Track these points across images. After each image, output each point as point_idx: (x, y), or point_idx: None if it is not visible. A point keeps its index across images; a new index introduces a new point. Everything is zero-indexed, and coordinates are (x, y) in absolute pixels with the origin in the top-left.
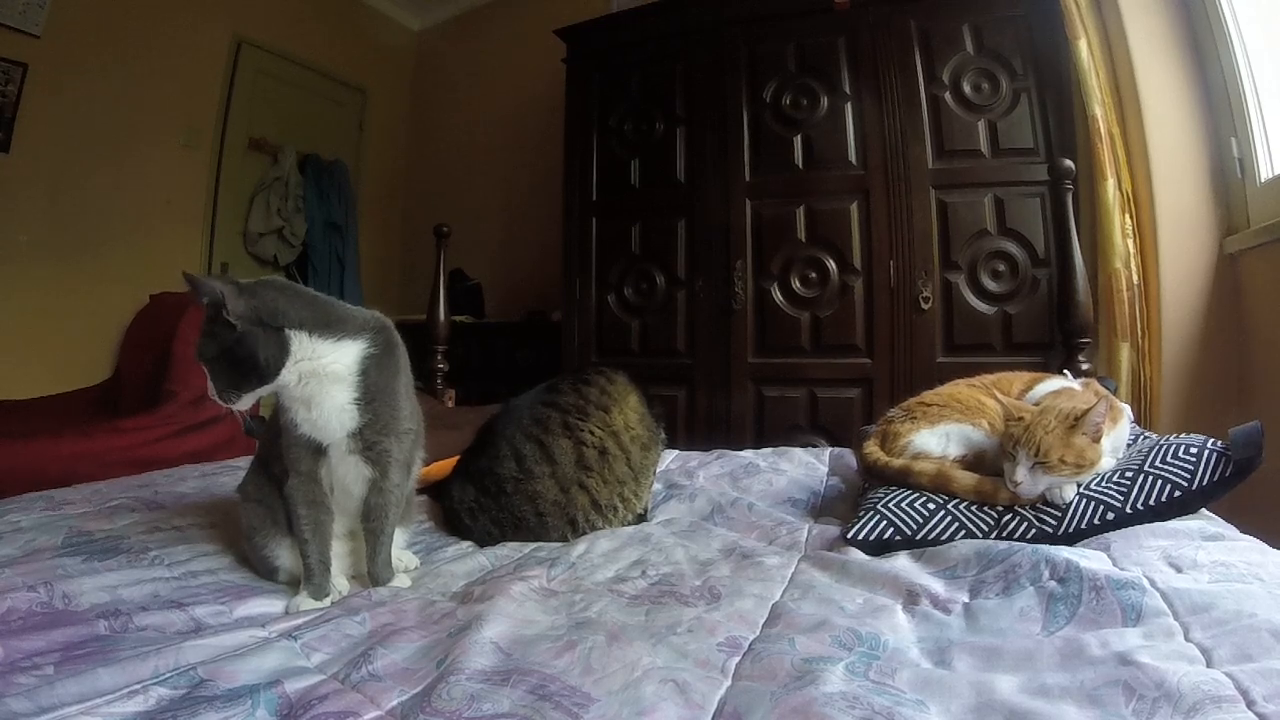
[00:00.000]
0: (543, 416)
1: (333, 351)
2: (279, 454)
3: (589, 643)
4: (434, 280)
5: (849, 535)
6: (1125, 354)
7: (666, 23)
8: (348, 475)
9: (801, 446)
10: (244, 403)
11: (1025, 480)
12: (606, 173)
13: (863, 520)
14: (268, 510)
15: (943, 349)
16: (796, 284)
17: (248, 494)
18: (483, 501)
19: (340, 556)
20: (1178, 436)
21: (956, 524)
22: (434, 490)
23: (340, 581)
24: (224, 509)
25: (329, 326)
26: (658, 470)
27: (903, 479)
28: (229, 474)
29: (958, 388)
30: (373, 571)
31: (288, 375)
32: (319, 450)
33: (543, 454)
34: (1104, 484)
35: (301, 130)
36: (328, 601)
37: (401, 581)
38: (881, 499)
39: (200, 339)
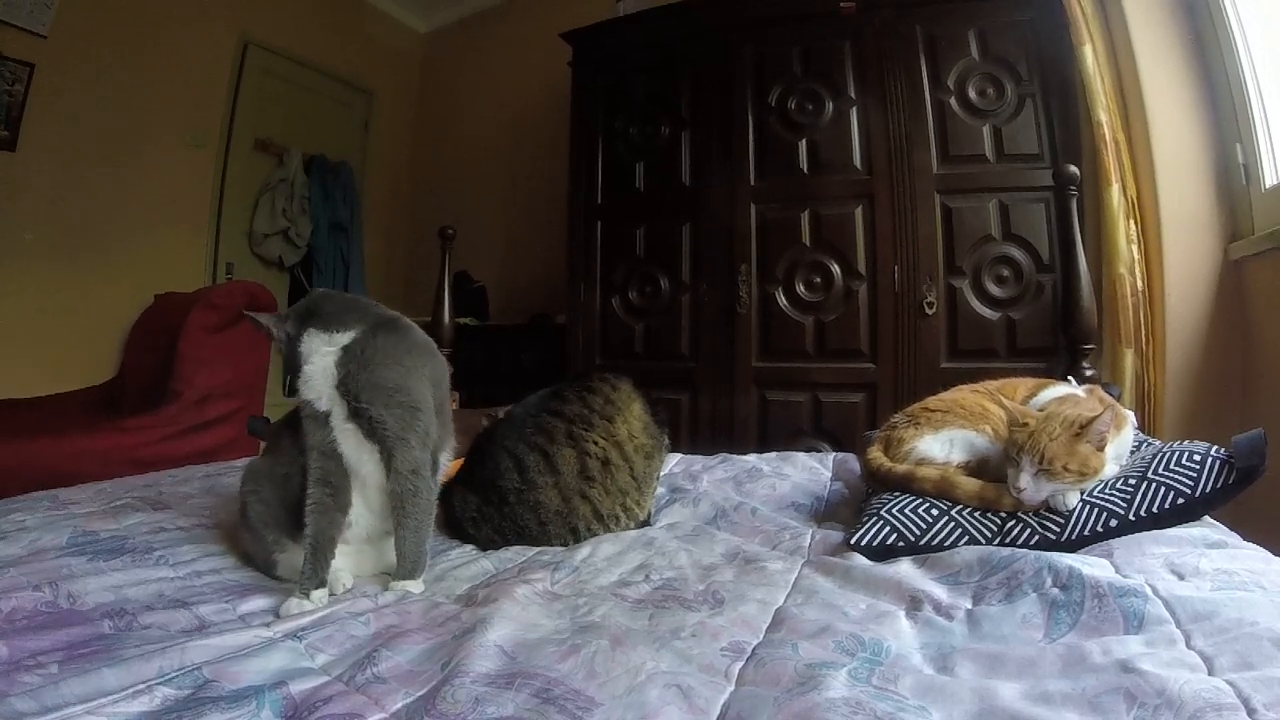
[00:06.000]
0: (546, 425)
1: (333, 342)
2: (284, 445)
3: (593, 646)
4: (439, 282)
5: (852, 541)
6: (1129, 360)
7: (672, 26)
8: (356, 454)
9: (805, 451)
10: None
11: (1029, 487)
12: (611, 176)
13: (866, 526)
14: (267, 506)
15: (947, 354)
16: (801, 288)
17: (251, 487)
18: (485, 511)
19: (348, 555)
20: (1181, 443)
21: (960, 530)
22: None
23: (345, 576)
24: (229, 509)
25: (332, 321)
26: (661, 474)
27: (906, 484)
28: (233, 475)
29: (962, 393)
30: (398, 570)
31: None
32: (323, 419)
33: (546, 464)
34: (1107, 490)
35: (307, 131)
36: (321, 600)
37: (414, 587)
38: (885, 505)
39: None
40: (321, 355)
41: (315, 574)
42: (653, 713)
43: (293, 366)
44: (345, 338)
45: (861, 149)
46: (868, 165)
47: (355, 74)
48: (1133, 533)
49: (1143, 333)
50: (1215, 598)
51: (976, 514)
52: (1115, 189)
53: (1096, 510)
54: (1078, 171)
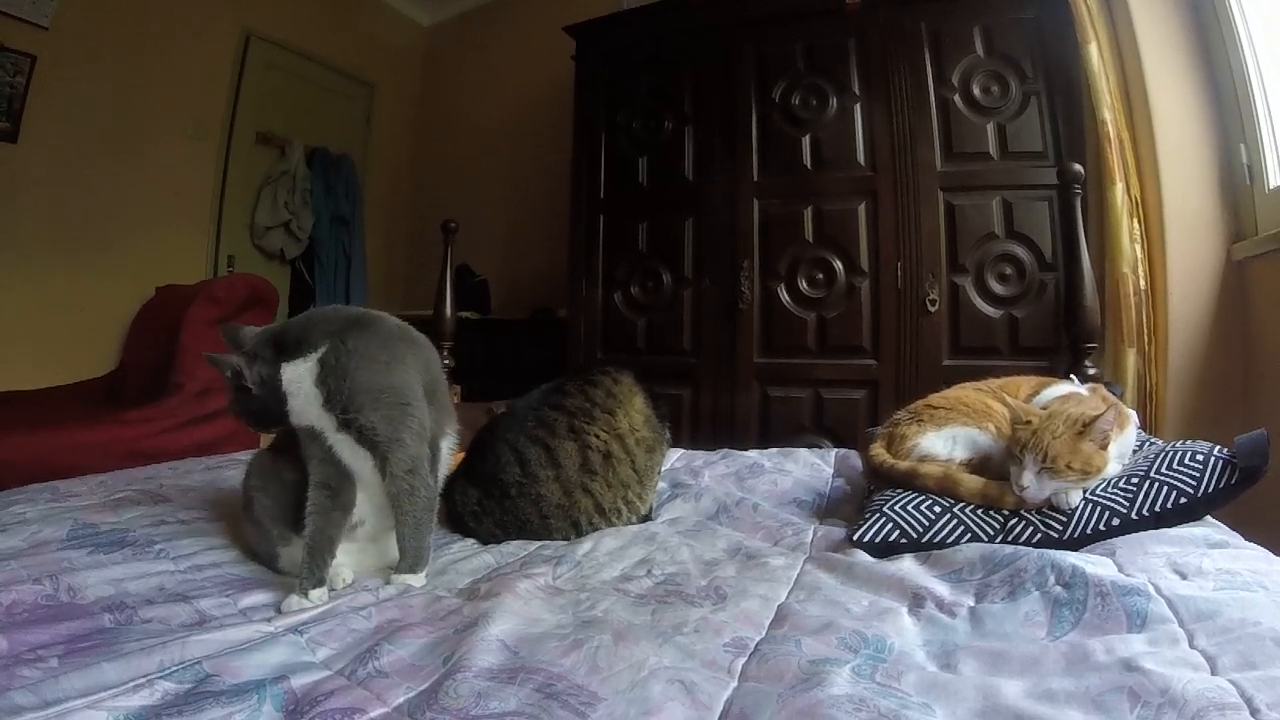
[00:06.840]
0: (548, 419)
1: (308, 361)
2: (292, 446)
3: (595, 641)
4: (440, 276)
5: (855, 537)
6: (1131, 359)
7: (676, 21)
8: (353, 460)
9: (807, 447)
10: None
11: (1031, 485)
12: (614, 170)
13: (868, 522)
14: (272, 500)
15: (949, 352)
16: (803, 284)
17: (256, 481)
18: (486, 504)
19: (351, 552)
20: (1184, 443)
21: (962, 527)
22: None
23: (345, 571)
24: (230, 502)
25: (301, 345)
26: (663, 469)
27: (908, 481)
28: (234, 467)
29: (964, 391)
30: (400, 564)
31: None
32: (316, 435)
33: (547, 457)
34: (1110, 489)
35: (309, 124)
36: (321, 596)
37: (416, 581)
38: (887, 501)
39: (231, 399)
40: (301, 382)
41: (313, 574)
42: (656, 708)
43: (273, 411)
44: (318, 354)
45: (865, 145)
46: (871, 162)
47: (357, 67)
48: (1135, 531)
49: (1145, 332)
50: (1218, 597)
51: (979, 511)
52: (1119, 188)
53: (1099, 509)
54: (1082, 170)
